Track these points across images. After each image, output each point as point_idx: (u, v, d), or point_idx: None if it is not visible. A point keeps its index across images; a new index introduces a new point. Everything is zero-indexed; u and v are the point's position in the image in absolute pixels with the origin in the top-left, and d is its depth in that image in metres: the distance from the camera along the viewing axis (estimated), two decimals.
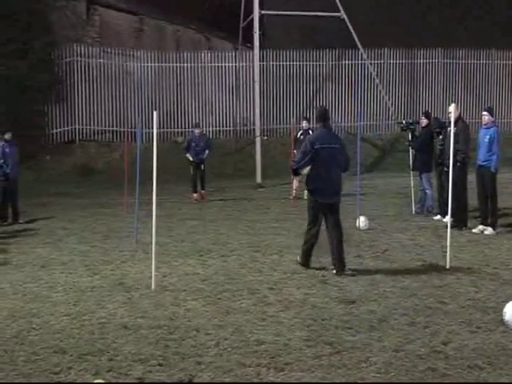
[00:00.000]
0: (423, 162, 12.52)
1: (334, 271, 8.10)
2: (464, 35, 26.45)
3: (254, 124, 21.78)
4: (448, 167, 9.14)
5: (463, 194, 10.91)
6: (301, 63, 24.75)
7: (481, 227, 10.66)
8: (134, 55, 23.98)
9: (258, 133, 20.80)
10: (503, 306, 6.17)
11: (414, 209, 12.84)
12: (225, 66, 24.60)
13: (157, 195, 7.75)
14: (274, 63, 24.55)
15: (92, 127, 23.28)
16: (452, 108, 10.17)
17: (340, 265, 8.10)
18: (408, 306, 6.65)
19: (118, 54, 23.79)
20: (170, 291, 7.46)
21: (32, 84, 21.16)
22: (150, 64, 24.01)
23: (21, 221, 13.19)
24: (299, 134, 15.54)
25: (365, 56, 23.64)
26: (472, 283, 7.53)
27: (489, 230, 10.54)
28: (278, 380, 4.93)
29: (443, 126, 11.79)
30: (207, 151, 16.09)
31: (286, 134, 22.64)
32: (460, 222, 10.76)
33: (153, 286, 7.56)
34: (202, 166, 16.01)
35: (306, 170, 8.24)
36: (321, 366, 5.12)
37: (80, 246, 10.47)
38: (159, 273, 8.12)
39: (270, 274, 8.20)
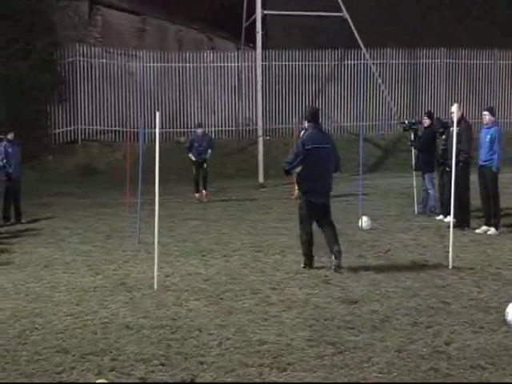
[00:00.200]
0: (425, 162, 12.51)
1: (334, 264, 8.10)
2: (464, 35, 26.42)
3: (256, 124, 21.80)
4: (450, 167, 9.13)
5: (465, 194, 10.89)
6: (303, 63, 24.75)
7: (484, 228, 10.64)
8: (136, 55, 24.00)
9: (260, 133, 20.81)
10: (506, 306, 6.16)
11: (416, 209, 12.83)
12: (227, 66, 24.61)
13: (159, 195, 7.77)
14: (277, 63, 24.56)
15: (94, 127, 23.30)
16: (455, 108, 10.14)
17: (338, 254, 8.15)
18: (410, 306, 6.64)
19: (121, 54, 23.82)
20: (172, 291, 7.46)
21: (34, 84, 21.22)
22: (152, 64, 24.03)
23: (23, 221, 13.20)
24: (301, 134, 15.51)
25: (367, 56, 23.63)
26: (474, 283, 7.53)
27: (492, 230, 10.52)
28: (281, 380, 4.93)
29: (446, 125, 11.77)
30: (210, 151, 16.06)
31: (288, 133, 22.63)
32: (462, 222, 10.74)
33: (155, 286, 7.56)
34: (205, 165, 15.99)
35: (297, 170, 8.32)
36: (323, 366, 5.12)
37: (82, 245, 10.48)
38: (161, 273, 8.13)
39: (272, 273, 8.20)
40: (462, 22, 27.55)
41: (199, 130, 16.37)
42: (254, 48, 22.01)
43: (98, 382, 4.85)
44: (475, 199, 11.09)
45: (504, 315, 6.09)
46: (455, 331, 5.88)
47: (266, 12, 21.45)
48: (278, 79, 24.62)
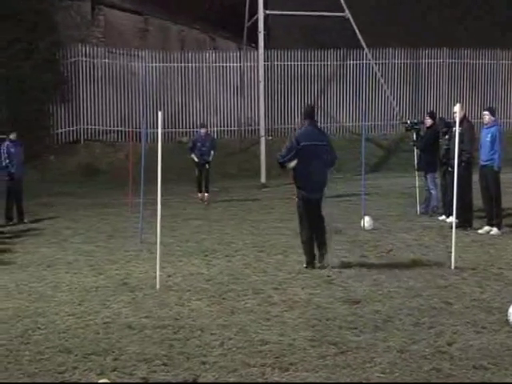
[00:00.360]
0: (428, 162, 12.49)
1: (319, 266, 8.25)
2: (464, 35, 26.41)
3: (258, 124, 21.77)
4: (453, 167, 9.12)
5: (468, 194, 10.87)
6: (305, 63, 24.74)
7: (487, 228, 10.62)
8: (138, 55, 24.01)
9: (262, 133, 20.79)
10: (508, 307, 6.15)
11: (418, 209, 12.81)
12: (229, 66, 24.60)
13: (161, 195, 7.77)
14: (279, 63, 24.55)
15: (97, 127, 23.31)
16: (457, 108, 10.14)
17: (321, 258, 8.32)
18: (413, 307, 6.64)
19: (123, 54, 23.82)
20: (174, 291, 7.46)
21: (36, 84, 21.24)
22: (154, 64, 24.03)
23: (26, 220, 13.22)
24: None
25: (369, 56, 23.60)
26: (477, 283, 7.52)
27: (494, 231, 10.51)
28: (283, 380, 4.93)
29: (449, 125, 11.75)
30: (213, 152, 15.96)
31: (290, 133, 22.61)
32: (465, 222, 10.73)
33: (157, 286, 7.57)
34: (207, 166, 15.90)
35: (292, 164, 8.38)
36: (325, 366, 5.12)
37: (85, 245, 10.49)
38: (164, 273, 8.13)
39: (274, 274, 8.20)
40: (462, 22, 27.54)
41: (202, 130, 16.29)
42: (256, 48, 22.00)
43: (100, 381, 4.86)
44: (477, 199, 11.08)
45: (506, 315, 6.08)
46: (457, 331, 5.87)
47: (268, 12, 21.43)
48: (280, 79, 24.60)
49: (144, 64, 23.84)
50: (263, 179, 19.85)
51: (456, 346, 5.50)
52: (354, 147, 19.34)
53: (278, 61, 24.50)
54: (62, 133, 22.82)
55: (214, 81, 24.51)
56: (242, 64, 24.40)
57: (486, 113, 10.75)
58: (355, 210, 12.92)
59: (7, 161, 13.19)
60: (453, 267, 8.21)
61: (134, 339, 5.84)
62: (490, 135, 10.46)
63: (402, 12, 27.58)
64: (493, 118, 10.70)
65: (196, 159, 15.85)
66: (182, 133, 23.92)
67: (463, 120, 10.73)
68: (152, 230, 9.52)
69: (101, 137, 23.31)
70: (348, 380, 4.89)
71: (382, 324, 6.11)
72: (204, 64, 24.43)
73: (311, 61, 24.74)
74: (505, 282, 7.58)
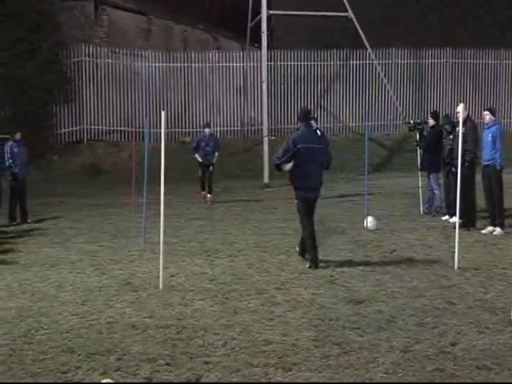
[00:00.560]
0: (431, 162, 12.47)
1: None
2: (464, 35, 26.41)
3: (261, 124, 21.80)
4: (456, 167, 9.11)
5: (471, 195, 10.86)
6: (308, 63, 24.75)
7: (490, 228, 10.61)
8: (141, 55, 24.06)
9: (265, 133, 20.80)
10: (511, 307, 6.16)
11: (421, 209, 12.80)
12: (232, 66, 24.62)
13: (164, 195, 7.77)
14: (282, 63, 24.57)
15: (100, 127, 23.36)
16: (460, 108, 10.12)
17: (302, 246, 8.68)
18: (416, 307, 6.63)
19: (126, 54, 23.87)
20: (177, 291, 7.46)
21: (40, 84, 21.29)
22: (157, 64, 24.07)
23: (29, 220, 13.24)
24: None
25: (372, 56, 23.60)
26: (480, 284, 7.51)
27: (497, 231, 10.50)
28: (286, 380, 4.93)
29: (454, 124, 11.71)
30: (217, 154, 15.86)
31: (293, 134, 22.59)
32: (468, 223, 10.72)
33: (160, 286, 7.57)
34: (211, 168, 15.85)
35: (288, 166, 8.53)
36: (328, 366, 5.11)
37: (88, 245, 10.50)
38: (167, 272, 8.13)
39: (277, 274, 8.20)
40: (462, 22, 27.55)
41: (207, 130, 16.18)
42: (260, 48, 22.01)
43: (103, 381, 4.86)
44: (481, 199, 11.07)
45: (510, 315, 6.08)
46: (461, 332, 5.86)
47: (271, 12, 21.44)
48: (284, 79, 24.62)
49: (147, 64, 23.89)
50: (266, 179, 19.84)
51: (459, 346, 5.50)
52: (357, 147, 19.34)
53: (281, 61, 24.52)
54: (65, 133, 22.87)
55: (216, 81, 24.54)
56: (245, 64, 24.42)
57: (487, 113, 10.76)
58: (358, 210, 12.91)
59: (10, 161, 13.21)
60: (456, 267, 8.20)
61: (137, 339, 5.84)
62: (491, 135, 10.47)
63: (402, 12, 27.61)
64: (493, 118, 10.70)
65: (200, 159, 15.79)
66: (185, 133, 23.96)
67: (467, 120, 10.71)
68: (155, 230, 9.52)
69: (104, 137, 23.36)
70: (351, 380, 4.88)
71: (386, 324, 6.10)
72: (207, 64, 24.46)
73: (314, 61, 24.76)
74: (508, 282, 7.57)
